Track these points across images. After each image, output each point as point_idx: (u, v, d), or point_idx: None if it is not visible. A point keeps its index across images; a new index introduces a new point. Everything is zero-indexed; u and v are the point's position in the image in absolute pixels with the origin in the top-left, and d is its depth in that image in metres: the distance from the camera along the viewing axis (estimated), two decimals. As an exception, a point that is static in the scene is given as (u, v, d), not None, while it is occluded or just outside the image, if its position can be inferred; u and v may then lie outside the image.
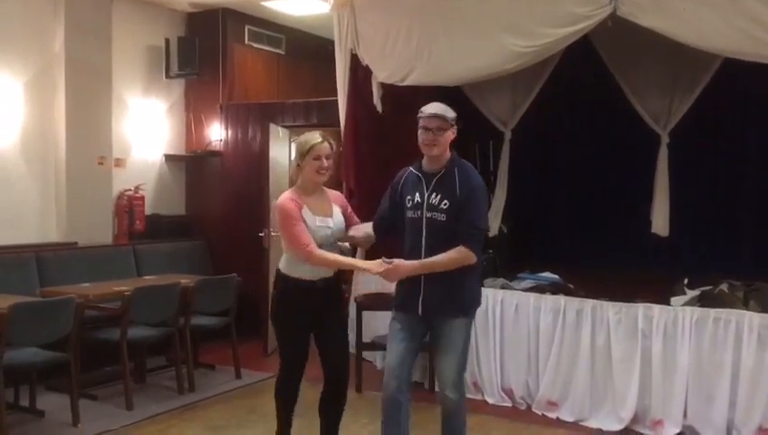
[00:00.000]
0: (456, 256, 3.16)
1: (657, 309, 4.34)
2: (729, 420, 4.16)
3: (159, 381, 5.39)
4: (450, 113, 3.30)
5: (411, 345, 3.33)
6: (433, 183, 3.27)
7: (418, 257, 3.24)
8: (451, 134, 3.29)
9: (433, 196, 3.25)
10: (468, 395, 4.87)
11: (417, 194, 3.29)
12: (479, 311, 4.87)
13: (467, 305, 3.36)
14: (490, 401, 4.90)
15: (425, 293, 3.27)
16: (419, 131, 3.30)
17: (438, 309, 3.28)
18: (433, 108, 3.31)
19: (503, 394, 4.90)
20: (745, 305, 4.30)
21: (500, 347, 4.91)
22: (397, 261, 3.21)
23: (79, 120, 6.12)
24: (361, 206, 6.03)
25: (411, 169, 3.40)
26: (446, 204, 3.23)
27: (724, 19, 4.19)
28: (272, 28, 7.65)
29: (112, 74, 6.44)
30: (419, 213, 3.27)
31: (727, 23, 4.18)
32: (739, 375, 4.13)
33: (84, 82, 6.16)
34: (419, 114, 3.32)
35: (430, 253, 3.21)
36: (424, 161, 3.36)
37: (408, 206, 3.31)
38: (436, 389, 3.68)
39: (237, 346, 5.53)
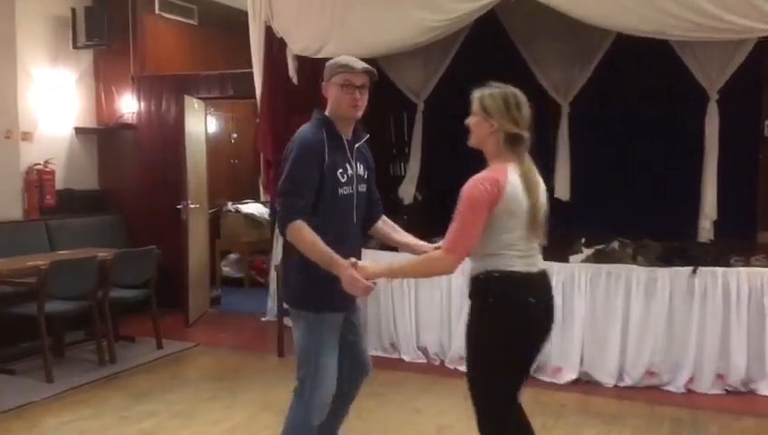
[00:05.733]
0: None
1: (556, 266, 4.67)
2: (620, 365, 4.59)
3: (79, 355, 5.38)
4: None
5: None
6: (355, 151, 2.84)
7: (352, 241, 2.82)
8: None
9: (358, 165, 2.84)
10: (385, 354, 5.19)
11: (348, 165, 2.78)
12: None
13: None
14: (406, 358, 5.16)
15: None
16: (340, 89, 2.74)
17: None
18: (360, 62, 2.78)
19: (418, 352, 5.18)
20: (634, 261, 4.71)
21: (415, 308, 5.18)
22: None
23: (-18, 91, 5.92)
24: (279, 177, 6.16)
25: (324, 131, 2.75)
26: (366, 174, 2.90)
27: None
28: (183, -2, 7.55)
29: (16, 44, 6.23)
30: (352, 188, 2.80)
31: (616, 0, 4.52)
32: (629, 324, 4.55)
33: (-14, 52, 5.95)
34: (341, 69, 2.75)
35: (359, 232, 2.87)
36: (338, 125, 2.78)
37: (343, 181, 2.75)
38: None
39: (158, 319, 5.56)
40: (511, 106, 2.54)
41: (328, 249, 2.62)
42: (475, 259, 2.55)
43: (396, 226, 3.08)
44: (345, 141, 2.80)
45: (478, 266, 2.55)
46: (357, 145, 2.87)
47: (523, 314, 2.53)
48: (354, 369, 3.00)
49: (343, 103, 2.75)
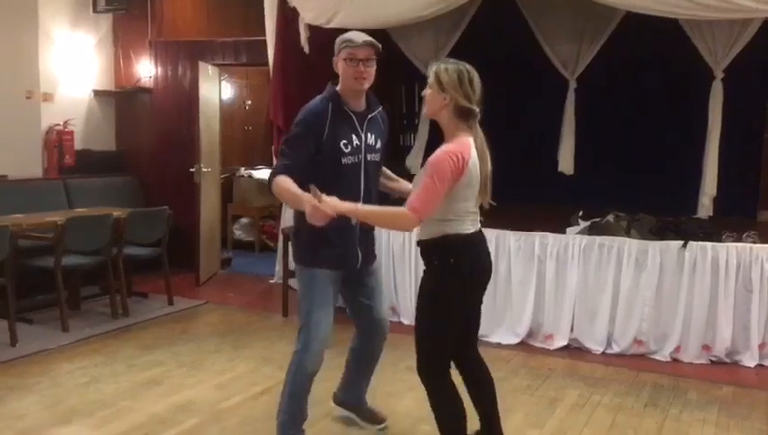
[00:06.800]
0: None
1: (551, 237, 4.83)
2: (609, 333, 4.74)
3: (94, 308, 5.64)
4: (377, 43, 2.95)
5: None
6: (366, 123, 2.98)
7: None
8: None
9: (369, 136, 2.97)
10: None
11: (354, 136, 2.93)
12: (397, 240, 5.33)
13: None
14: (405, 322, 5.33)
15: (362, 242, 3.06)
16: (345, 63, 2.90)
17: (370, 256, 3.15)
18: (362, 36, 2.91)
19: (417, 315, 5.36)
20: (627, 233, 4.83)
21: (415, 273, 5.34)
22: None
23: (4, 53, 6.13)
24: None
25: (330, 104, 2.91)
26: (379, 144, 3.03)
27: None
28: (201, -36, 7.65)
29: (38, 7, 6.41)
30: (359, 157, 2.94)
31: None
32: (619, 294, 4.69)
33: (9, 15, 6.14)
34: (344, 44, 2.91)
35: (367, 199, 2.94)
36: (346, 98, 2.94)
37: (347, 151, 2.90)
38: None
39: (169, 277, 5.80)
40: (464, 81, 2.66)
41: (296, 189, 2.73)
42: (432, 224, 2.71)
43: (391, 174, 3.25)
44: (352, 114, 2.94)
45: (436, 230, 2.72)
46: (370, 116, 3.00)
47: (477, 269, 2.81)
48: (370, 330, 3.26)
49: (349, 77, 2.90)
